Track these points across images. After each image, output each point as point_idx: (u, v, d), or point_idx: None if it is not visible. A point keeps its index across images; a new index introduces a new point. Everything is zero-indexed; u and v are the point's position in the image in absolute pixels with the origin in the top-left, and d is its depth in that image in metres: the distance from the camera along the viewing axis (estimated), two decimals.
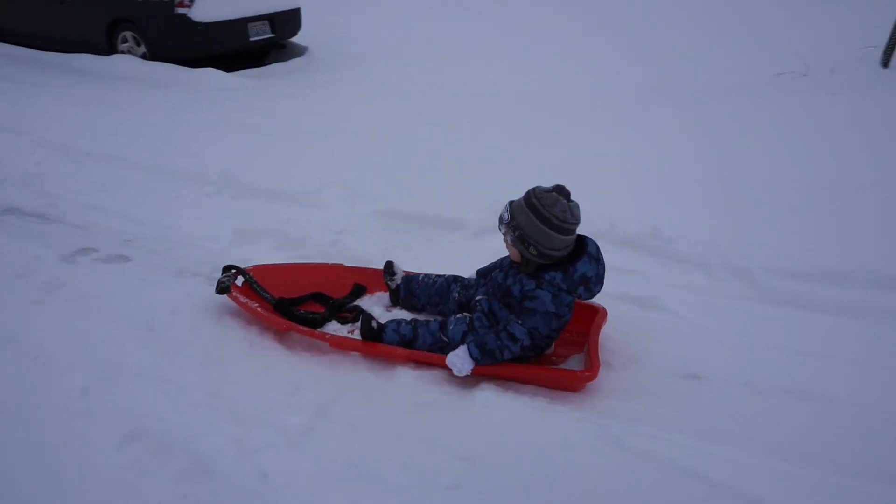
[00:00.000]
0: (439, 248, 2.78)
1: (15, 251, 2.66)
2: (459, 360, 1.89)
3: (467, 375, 1.90)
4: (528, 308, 1.90)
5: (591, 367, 1.86)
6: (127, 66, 6.29)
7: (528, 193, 1.91)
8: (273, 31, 6.82)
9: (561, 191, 1.89)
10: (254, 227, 2.94)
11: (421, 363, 1.99)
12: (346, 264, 2.48)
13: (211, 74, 6.11)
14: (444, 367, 1.92)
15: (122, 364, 1.95)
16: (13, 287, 2.39)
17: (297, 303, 2.30)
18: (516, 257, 1.98)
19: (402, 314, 2.29)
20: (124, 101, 5.35)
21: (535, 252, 1.88)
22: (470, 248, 2.72)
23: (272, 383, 1.89)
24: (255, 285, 2.28)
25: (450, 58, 6.81)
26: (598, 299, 2.07)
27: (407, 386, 1.89)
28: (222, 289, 2.20)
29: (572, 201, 1.89)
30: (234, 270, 2.31)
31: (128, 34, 6.37)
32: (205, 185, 3.48)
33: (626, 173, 3.44)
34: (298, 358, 2.05)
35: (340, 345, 2.07)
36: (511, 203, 1.94)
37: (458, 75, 6.15)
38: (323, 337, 2.08)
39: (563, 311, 1.93)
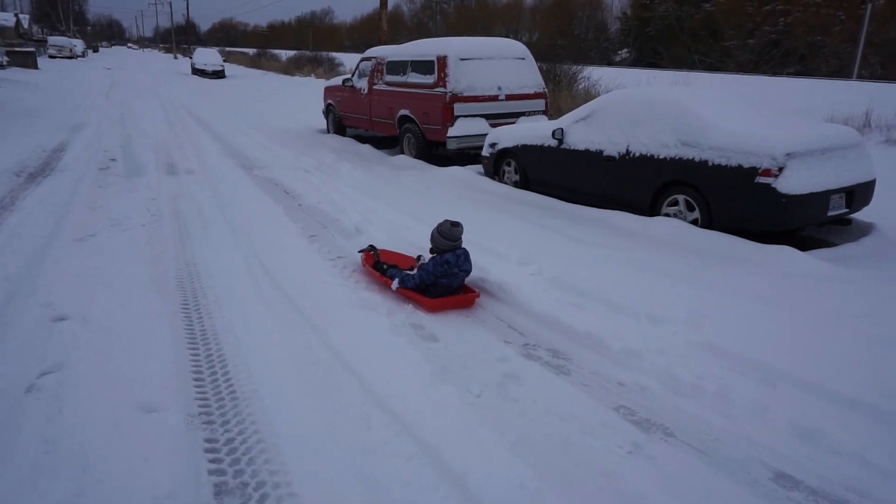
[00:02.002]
0: None
1: None
2: (394, 281, 4.05)
3: (395, 290, 4.03)
4: (422, 267, 4.02)
5: (431, 303, 3.87)
6: (673, 231, 5.68)
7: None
8: (848, 206, 5.57)
9: (452, 222, 4.05)
10: None
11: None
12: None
13: (784, 253, 5.05)
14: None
15: None
16: None
17: (384, 265, 4.38)
18: None
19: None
20: (684, 272, 4.60)
21: (431, 245, 4.09)
22: None
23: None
24: (376, 254, 4.49)
25: None
26: None
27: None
28: (360, 250, 4.61)
29: (456, 227, 4.04)
30: (371, 245, 4.62)
31: (680, 198, 5.80)
32: None
33: None
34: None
35: (374, 276, 4.34)
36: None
37: None
38: (372, 273, 4.35)
39: (438, 274, 3.92)
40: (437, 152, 9.80)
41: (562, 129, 6.88)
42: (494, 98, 9.20)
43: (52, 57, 40.15)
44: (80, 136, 10.71)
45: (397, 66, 10.07)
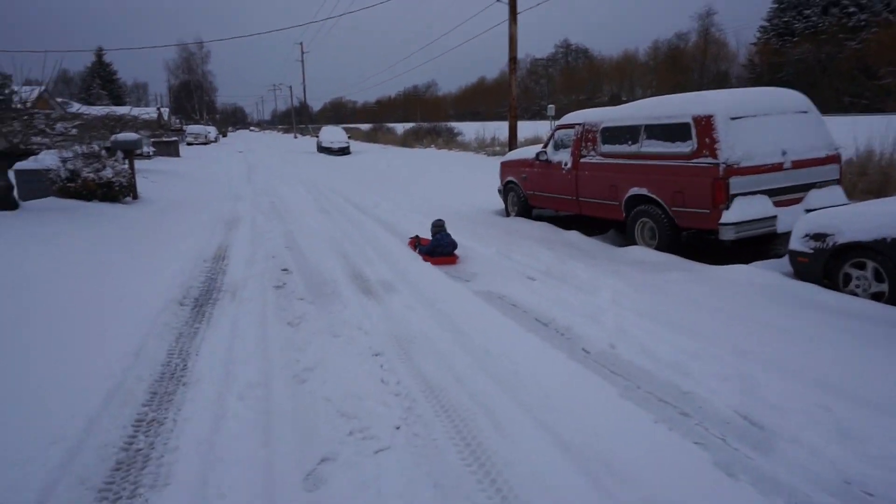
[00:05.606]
0: None
1: None
2: (418, 250, 7.79)
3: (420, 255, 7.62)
4: (431, 240, 7.67)
5: (433, 260, 7.27)
6: None
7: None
8: None
9: (438, 220, 7.81)
10: None
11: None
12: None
13: None
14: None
15: None
16: None
17: (418, 244, 7.94)
18: None
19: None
20: None
21: (432, 230, 7.76)
22: None
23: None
24: (418, 240, 8.06)
25: None
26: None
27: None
28: (410, 236, 8.52)
29: (440, 222, 7.71)
30: (417, 235, 8.32)
31: None
32: None
33: None
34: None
35: (411, 249, 8.07)
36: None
37: None
38: (412, 248, 8.06)
39: (434, 245, 7.41)
40: (682, 239, 7.38)
41: None
42: (778, 167, 6.70)
43: (189, 144, 42.42)
44: (238, 235, 9.28)
45: (621, 133, 7.87)
